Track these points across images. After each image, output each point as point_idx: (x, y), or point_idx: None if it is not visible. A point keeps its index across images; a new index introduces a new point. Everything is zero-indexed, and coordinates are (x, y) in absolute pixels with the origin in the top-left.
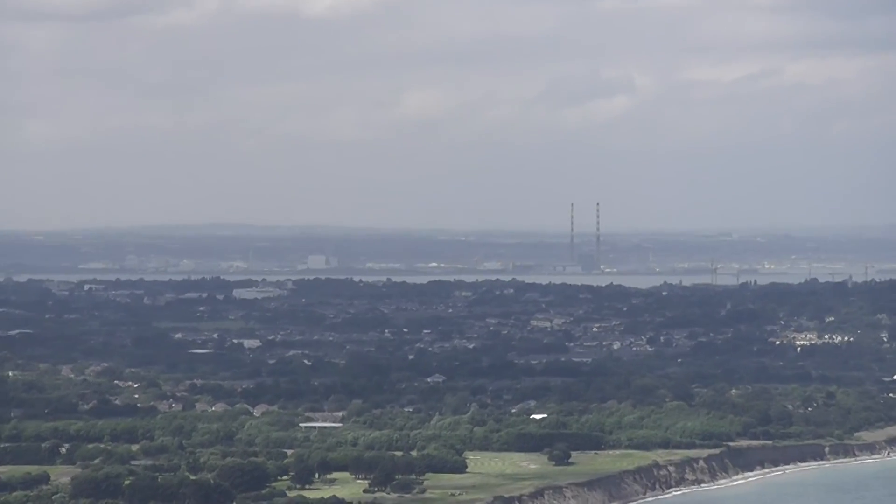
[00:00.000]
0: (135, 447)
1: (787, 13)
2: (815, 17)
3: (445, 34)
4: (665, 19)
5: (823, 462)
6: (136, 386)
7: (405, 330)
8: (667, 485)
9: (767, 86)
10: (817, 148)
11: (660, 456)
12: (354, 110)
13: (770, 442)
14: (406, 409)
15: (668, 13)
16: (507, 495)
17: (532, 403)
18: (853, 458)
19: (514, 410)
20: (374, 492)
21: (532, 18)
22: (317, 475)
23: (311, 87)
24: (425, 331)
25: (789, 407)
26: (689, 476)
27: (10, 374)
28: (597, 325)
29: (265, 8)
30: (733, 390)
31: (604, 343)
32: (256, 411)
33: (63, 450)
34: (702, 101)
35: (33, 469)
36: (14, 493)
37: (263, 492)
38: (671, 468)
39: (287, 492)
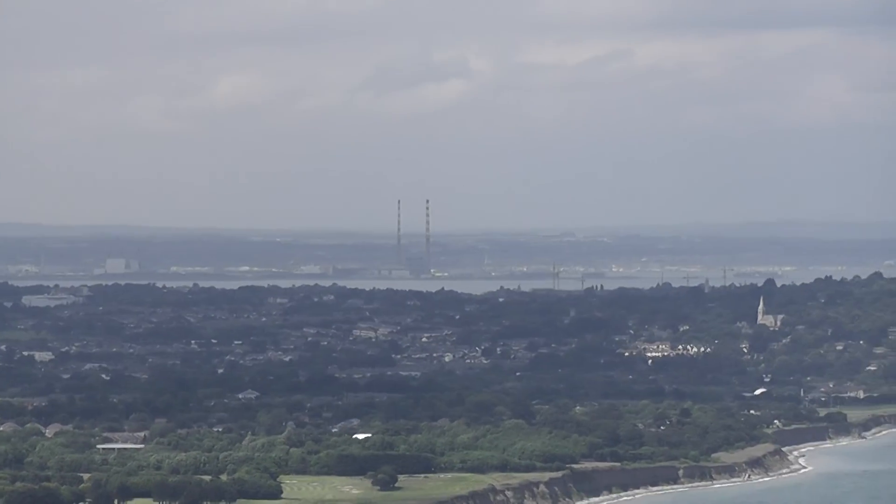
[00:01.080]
0: None
1: None
2: None
3: (261, 11)
4: None
5: (677, 486)
6: None
7: (214, 341)
8: None
9: (617, 69)
10: (671, 137)
11: (497, 479)
12: (157, 98)
13: (618, 464)
14: (215, 429)
15: None
16: None
17: (355, 422)
18: (710, 482)
19: (334, 430)
20: None
21: None
22: (116, 502)
23: (111, 72)
24: (236, 342)
25: (640, 425)
26: (529, 502)
27: None
28: (426, 334)
29: None
30: (578, 407)
31: (434, 355)
32: (49, 431)
33: None
34: (544, 85)
35: None
36: None
37: None
38: (509, 493)
39: None
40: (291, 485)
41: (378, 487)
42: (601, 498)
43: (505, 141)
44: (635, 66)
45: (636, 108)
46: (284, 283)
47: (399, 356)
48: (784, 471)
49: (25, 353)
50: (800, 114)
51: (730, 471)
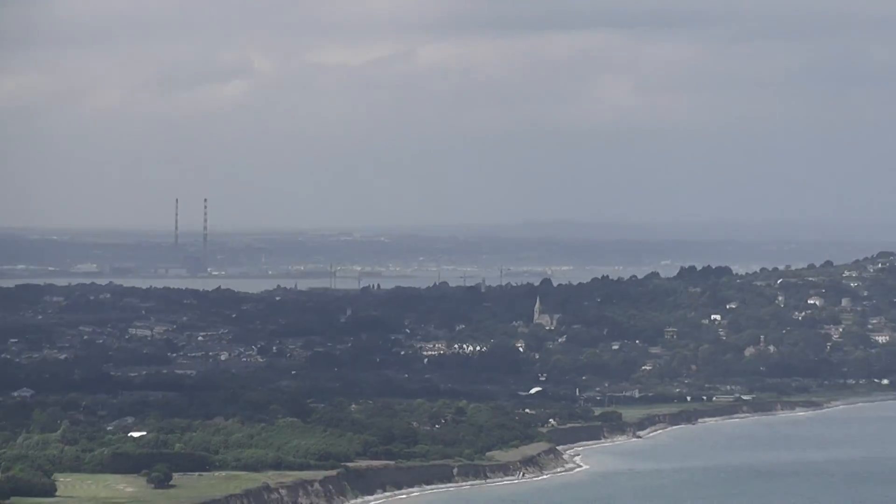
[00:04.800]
0: None
1: None
2: None
3: (43, 12)
4: None
5: (451, 484)
6: None
7: None
8: None
9: (399, 70)
10: (452, 138)
11: (271, 478)
12: None
13: (393, 462)
14: None
15: None
16: None
17: (130, 420)
18: (484, 480)
19: (110, 428)
20: None
21: None
22: None
23: None
24: (12, 340)
25: (415, 424)
26: (303, 500)
27: None
28: (203, 333)
29: None
30: (353, 406)
31: (210, 353)
32: None
33: None
34: (327, 86)
35: None
36: None
37: None
38: (283, 491)
39: None
40: (66, 483)
41: (152, 485)
42: (375, 496)
43: (285, 141)
44: (418, 67)
45: (418, 109)
46: (61, 282)
47: (175, 354)
48: (559, 469)
49: None
50: (582, 115)
51: (504, 469)
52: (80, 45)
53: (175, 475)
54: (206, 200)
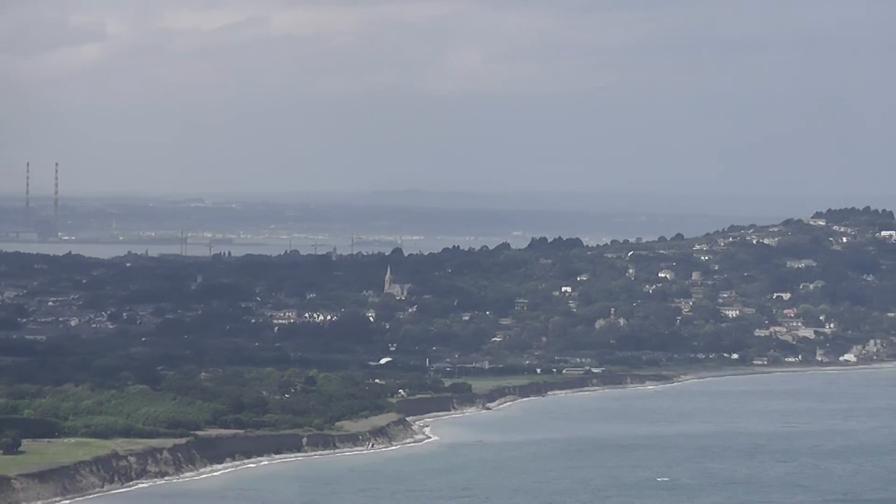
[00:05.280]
0: None
1: None
2: None
3: None
4: None
5: (300, 454)
6: None
7: None
8: (127, 477)
9: (253, 36)
10: (304, 105)
11: (120, 445)
12: None
13: (242, 431)
14: None
15: None
16: None
17: None
18: (334, 450)
19: None
20: None
21: None
22: None
23: None
24: None
25: (265, 393)
26: (153, 468)
27: None
28: (53, 298)
29: None
30: (203, 373)
31: (60, 319)
32: None
33: None
34: (181, 51)
35: None
36: None
37: None
38: (132, 459)
39: None
40: None
41: (1, 451)
42: (224, 465)
43: (138, 106)
44: (271, 33)
45: (271, 75)
46: None
47: (25, 320)
48: (408, 440)
49: None
50: (435, 83)
51: (353, 439)
52: None
53: (24, 441)
54: (57, 164)
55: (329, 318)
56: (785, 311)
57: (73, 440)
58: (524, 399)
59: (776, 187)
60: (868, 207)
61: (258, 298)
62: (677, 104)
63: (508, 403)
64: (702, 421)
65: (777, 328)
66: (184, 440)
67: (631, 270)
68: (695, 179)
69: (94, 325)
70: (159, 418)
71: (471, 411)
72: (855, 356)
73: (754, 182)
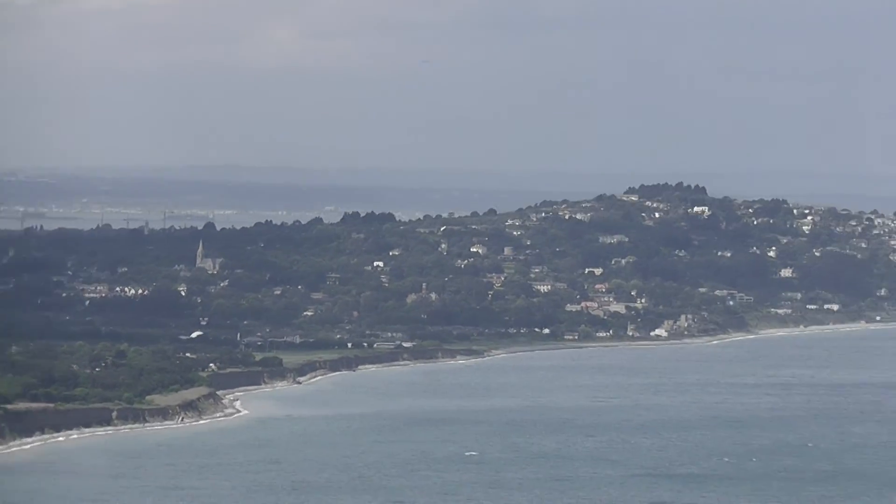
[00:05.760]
0: None
1: None
2: None
3: None
4: None
5: (110, 428)
6: None
7: None
8: None
9: (66, 9)
10: (119, 79)
11: None
12: None
13: (52, 405)
14: None
15: None
16: None
17: None
18: (143, 424)
19: None
20: None
21: None
22: None
23: None
24: None
25: (75, 367)
26: None
27: None
28: None
29: None
30: (14, 347)
31: None
32: None
33: None
34: None
35: None
36: None
37: None
38: None
39: None
40: None
41: None
42: (34, 438)
43: None
44: (85, 7)
45: (85, 49)
46: None
47: None
48: (218, 414)
49: None
50: (249, 57)
51: (163, 413)
52: None
53: None
54: None
55: (140, 292)
56: (596, 286)
57: None
58: (335, 373)
59: (587, 164)
60: (681, 183)
61: (70, 272)
62: (490, 80)
63: (319, 378)
64: (511, 396)
65: (588, 303)
66: None
67: (443, 245)
68: (510, 156)
69: None
70: None
71: (281, 385)
72: (666, 331)
73: (568, 160)
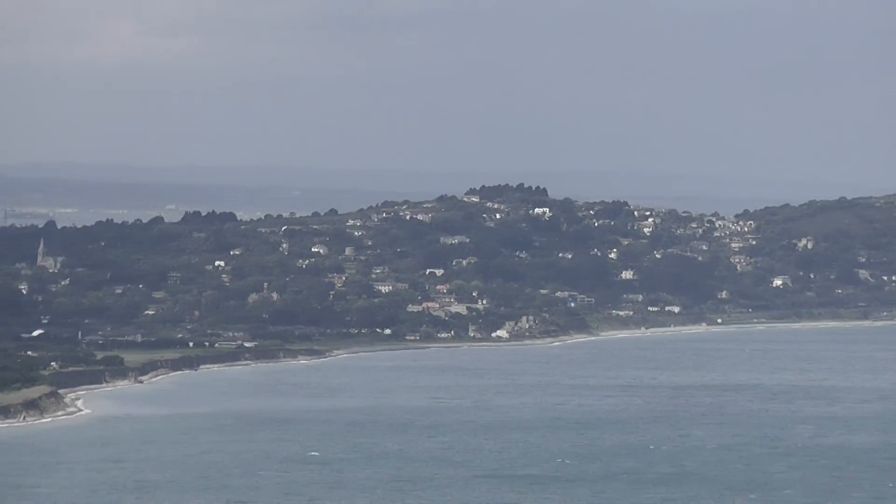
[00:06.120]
0: None
1: None
2: None
3: None
4: None
5: None
6: None
7: None
8: None
9: None
10: None
11: None
12: None
13: None
14: None
15: None
16: None
17: None
18: None
19: None
20: None
21: None
22: None
23: None
24: None
25: None
26: None
27: None
28: None
29: None
30: None
31: None
32: None
33: None
34: None
35: None
36: None
37: None
38: None
39: None
40: None
41: None
42: None
43: None
44: None
45: None
46: None
47: None
48: (60, 413)
49: None
50: (90, 56)
51: (5, 412)
52: None
53: None
54: None
55: None
56: (438, 287)
57: None
58: (176, 372)
59: (434, 163)
60: (522, 184)
61: None
62: (332, 79)
63: (161, 377)
64: (352, 396)
65: (430, 304)
66: None
67: (284, 245)
68: (352, 155)
69: None
70: None
71: (123, 384)
72: (507, 332)
73: (414, 158)
